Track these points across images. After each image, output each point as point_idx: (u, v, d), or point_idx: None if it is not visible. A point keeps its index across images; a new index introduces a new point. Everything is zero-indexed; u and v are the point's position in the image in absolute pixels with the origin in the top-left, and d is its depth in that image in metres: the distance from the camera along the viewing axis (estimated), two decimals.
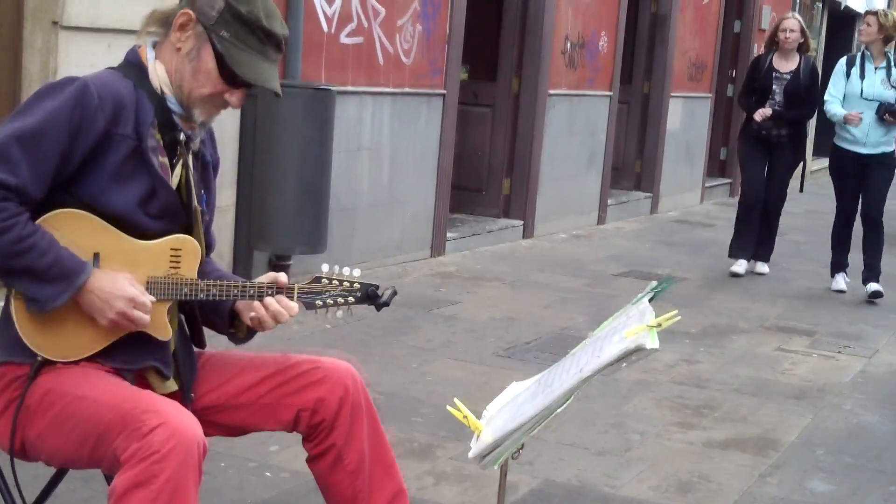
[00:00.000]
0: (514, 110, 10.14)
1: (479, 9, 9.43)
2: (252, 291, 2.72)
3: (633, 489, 4.32)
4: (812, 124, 12.37)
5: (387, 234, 8.32)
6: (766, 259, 9.39)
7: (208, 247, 2.85)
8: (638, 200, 12.75)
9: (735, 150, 14.76)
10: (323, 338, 6.04)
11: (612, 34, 11.43)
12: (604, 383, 5.60)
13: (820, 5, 18.83)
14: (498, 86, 10.15)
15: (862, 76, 8.33)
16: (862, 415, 5.58)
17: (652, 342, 2.43)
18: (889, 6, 20.05)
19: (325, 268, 2.78)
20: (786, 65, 8.92)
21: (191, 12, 2.64)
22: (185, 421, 2.47)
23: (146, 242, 2.64)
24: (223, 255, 6.88)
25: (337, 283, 2.76)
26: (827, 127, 9.28)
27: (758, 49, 14.79)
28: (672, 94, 13.09)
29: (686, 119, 13.71)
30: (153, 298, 2.61)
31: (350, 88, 7.67)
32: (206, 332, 2.93)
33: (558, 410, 2.54)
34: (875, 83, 8.28)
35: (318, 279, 2.77)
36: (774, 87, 8.89)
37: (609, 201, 11.88)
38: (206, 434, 2.54)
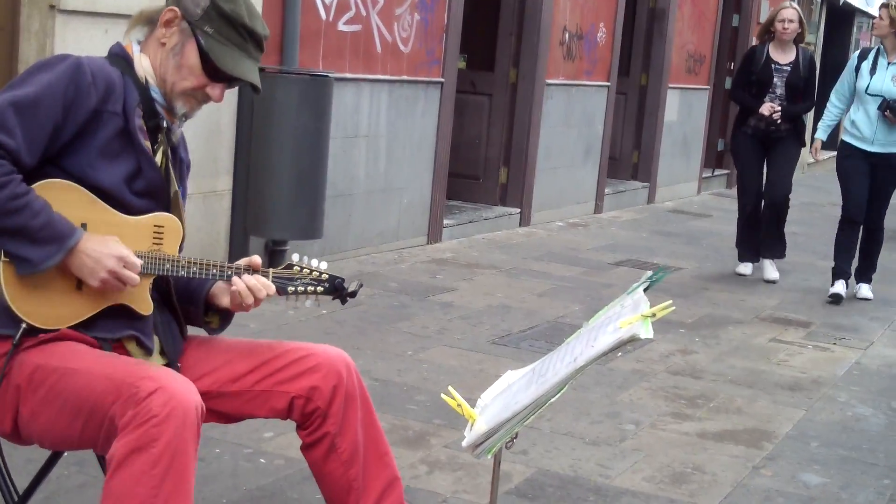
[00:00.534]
0: (512, 100, 10.14)
1: None
2: (230, 272, 2.78)
3: (626, 479, 4.32)
4: (810, 117, 12.31)
5: (383, 221, 8.32)
6: (781, 255, 8.88)
7: None
8: (635, 190, 12.76)
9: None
10: (318, 324, 6.04)
11: (609, 27, 11.43)
12: (599, 373, 5.61)
13: (819, 0, 18.80)
14: (495, 75, 10.16)
15: (873, 71, 7.91)
16: (856, 407, 5.59)
17: (646, 332, 2.43)
18: None
19: (295, 257, 2.86)
20: (784, 56, 8.55)
21: (177, 9, 2.75)
22: (180, 384, 2.51)
23: (131, 217, 2.71)
24: (219, 242, 6.88)
25: (308, 271, 2.84)
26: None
27: (756, 42, 14.79)
28: (670, 86, 13.10)
29: (683, 111, 13.71)
30: (141, 261, 2.66)
31: (348, 76, 7.66)
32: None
33: (552, 400, 2.54)
34: (885, 79, 7.83)
35: (290, 266, 2.84)
36: (775, 79, 8.50)
37: (606, 191, 11.90)
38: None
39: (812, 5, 18.40)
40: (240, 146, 6.87)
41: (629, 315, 2.50)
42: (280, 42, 7.03)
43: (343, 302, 2.87)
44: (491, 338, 6.21)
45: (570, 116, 10.89)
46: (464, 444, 2.64)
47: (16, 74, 5.55)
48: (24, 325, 2.61)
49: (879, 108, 7.80)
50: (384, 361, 5.53)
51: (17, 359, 2.61)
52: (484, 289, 7.45)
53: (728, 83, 15.09)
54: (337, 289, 2.84)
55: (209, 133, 6.63)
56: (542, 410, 2.57)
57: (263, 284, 2.78)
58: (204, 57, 2.72)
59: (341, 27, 7.63)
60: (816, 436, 5.08)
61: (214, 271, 2.76)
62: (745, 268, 8.90)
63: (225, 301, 2.87)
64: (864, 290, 8.38)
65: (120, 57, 2.78)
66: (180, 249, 2.79)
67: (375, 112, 8.05)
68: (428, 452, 4.38)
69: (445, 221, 9.13)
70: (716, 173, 15.21)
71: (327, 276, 2.84)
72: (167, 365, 2.78)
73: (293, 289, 2.82)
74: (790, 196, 8.83)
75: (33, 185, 2.58)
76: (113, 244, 2.62)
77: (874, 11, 12.80)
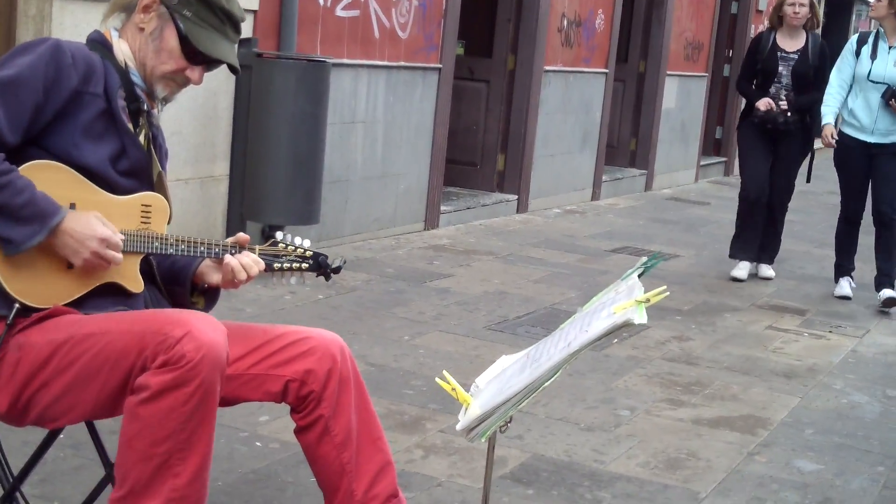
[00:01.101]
0: (510, 86, 10.13)
1: None
2: (218, 249, 2.81)
3: (621, 465, 4.33)
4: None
5: (380, 206, 8.32)
6: (770, 261, 8.39)
7: None
8: (632, 178, 12.76)
9: (731, 129, 14.86)
10: (315, 309, 6.05)
11: (608, 13, 11.42)
12: (594, 359, 5.62)
13: None
14: (493, 62, 10.15)
15: (873, 56, 7.41)
16: (851, 395, 5.60)
17: (640, 317, 2.43)
18: None
19: (279, 235, 2.91)
20: (792, 43, 7.94)
21: None
22: (208, 326, 2.57)
23: (119, 197, 2.73)
24: (216, 227, 6.88)
25: (292, 248, 2.89)
26: None
27: (755, 30, 14.79)
28: (668, 73, 13.09)
29: (682, 98, 13.70)
30: (123, 237, 2.68)
31: (345, 61, 7.66)
32: None
33: (546, 384, 2.54)
34: (888, 64, 7.35)
35: (275, 243, 2.89)
36: (781, 68, 7.92)
37: (603, 178, 11.89)
38: None
39: None
40: (237, 131, 6.85)
41: (623, 300, 2.51)
42: (278, 27, 7.02)
43: (327, 278, 2.92)
44: (487, 324, 6.21)
45: (567, 103, 10.88)
46: (458, 427, 2.65)
47: None
48: (17, 306, 2.62)
49: (883, 96, 7.33)
50: (380, 347, 5.54)
51: (14, 340, 2.61)
52: (481, 275, 7.46)
53: (726, 70, 15.12)
54: (321, 265, 2.89)
55: (206, 118, 6.62)
56: (538, 396, 2.57)
57: (255, 261, 2.82)
58: (183, 40, 2.77)
59: (339, 12, 7.61)
60: (811, 423, 5.09)
61: (202, 249, 2.80)
62: (741, 270, 8.23)
63: (214, 279, 2.90)
64: (886, 292, 7.60)
65: (98, 43, 2.82)
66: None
67: (373, 98, 8.04)
68: (423, 437, 4.39)
69: (442, 208, 9.13)
70: (714, 161, 15.21)
71: (311, 252, 2.89)
72: None
73: (279, 265, 2.87)
74: (790, 198, 8.38)
75: (21, 166, 2.59)
76: (95, 224, 2.63)
77: None
